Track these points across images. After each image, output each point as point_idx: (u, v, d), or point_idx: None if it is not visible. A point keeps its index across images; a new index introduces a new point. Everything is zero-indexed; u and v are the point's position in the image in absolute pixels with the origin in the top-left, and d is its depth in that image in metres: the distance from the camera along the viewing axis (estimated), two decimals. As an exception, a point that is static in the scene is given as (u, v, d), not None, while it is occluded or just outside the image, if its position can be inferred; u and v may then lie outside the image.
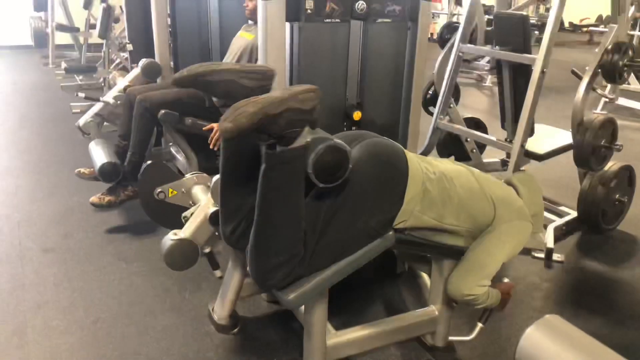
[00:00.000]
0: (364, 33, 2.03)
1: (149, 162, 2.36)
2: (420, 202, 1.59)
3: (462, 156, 3.72)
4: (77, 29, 7.28)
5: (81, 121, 3.44)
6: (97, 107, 3.43)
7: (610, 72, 2.62)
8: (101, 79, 5.49)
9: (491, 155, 3.76)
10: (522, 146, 2.81)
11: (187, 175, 2.23)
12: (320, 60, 2.00)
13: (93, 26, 7.18)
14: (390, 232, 1.60)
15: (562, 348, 0.88)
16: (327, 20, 1.94)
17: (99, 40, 5.29)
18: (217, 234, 1.88)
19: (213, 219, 1.85)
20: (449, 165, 1.78)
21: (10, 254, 2.61)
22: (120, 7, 4.74)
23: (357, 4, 1.96)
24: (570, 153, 3.03)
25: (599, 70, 2.68)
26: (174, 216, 2.07)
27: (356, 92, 2.12)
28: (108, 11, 4.72)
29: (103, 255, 2.61)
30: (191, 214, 1.92)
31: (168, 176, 2.23)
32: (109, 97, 3.32)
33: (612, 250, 2.82)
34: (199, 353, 1.95)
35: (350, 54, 2.04)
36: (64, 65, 5.33)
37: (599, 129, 2.65)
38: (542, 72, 2.63)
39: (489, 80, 6.96)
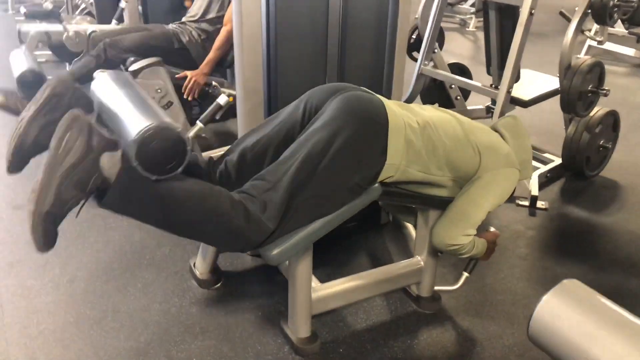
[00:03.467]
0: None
1: None
2: (405, 155, 1.52)
3: (446, 103, 3.65)
4: (39, -28, 6.84)
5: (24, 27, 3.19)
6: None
7: (601, 12, 2.52)
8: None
9: (476, 102, 3.69)
10: (509, 92, 2.74)
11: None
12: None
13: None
14: (376, 185, 1.53)
15: (582, 318, 0.82)
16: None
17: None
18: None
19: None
20: (433, 112, 1.70)
21: (-22, 211, 2.50)
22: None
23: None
24: (555, 99, 2.99)
25: (589, 11, 2.58)
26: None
27: (338, 34, 1.99)
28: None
29: (77, 211, 2.51)
30: None
31: None
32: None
33: (595, 197, 2.82)
34: (182, 308, 1.91)
35: (332, -5, 1.91)
36: (23, 10, 5.01)
37: (586, 73, 2.58)
38: (531, 14, 2.52)
39: (473, 24, 6.80)
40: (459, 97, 3.61)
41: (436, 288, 1.96)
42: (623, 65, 5.41)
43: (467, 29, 6.83)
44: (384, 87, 2.14)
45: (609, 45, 5.42)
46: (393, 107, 1.56)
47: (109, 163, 1.23)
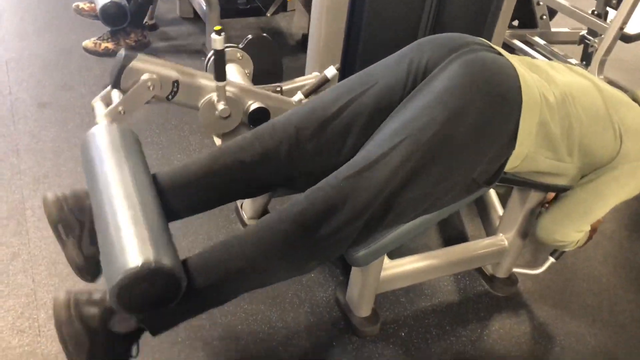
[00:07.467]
0: None
1: None
2: (535, 140, 1.18)
3: (529, 22, 3.15)
4: None
5: None
6: None
7: None
8: None
9: (560, 24, 3.19)
10: (622, 28, 2.28)
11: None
12: None
13: None
14: (493, 178, 1.22)
15: None
16: None
17: None
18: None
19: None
20: (568, 75, 1.31)
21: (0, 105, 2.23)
22: None
23: None
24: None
25: None
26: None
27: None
28: None
29: (109, 118, 2.23)
30: None
31: None
32: None
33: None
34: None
35: None
36: None
37: None
38: None
39: None
40: (545, 16, 3.11)
41: (514, 270, 1.72)
42: None
43: None
44: (485, 28, 1.72)
45: None
46: (525, 73, 1.19)
47: (122, 326, 1.10)
